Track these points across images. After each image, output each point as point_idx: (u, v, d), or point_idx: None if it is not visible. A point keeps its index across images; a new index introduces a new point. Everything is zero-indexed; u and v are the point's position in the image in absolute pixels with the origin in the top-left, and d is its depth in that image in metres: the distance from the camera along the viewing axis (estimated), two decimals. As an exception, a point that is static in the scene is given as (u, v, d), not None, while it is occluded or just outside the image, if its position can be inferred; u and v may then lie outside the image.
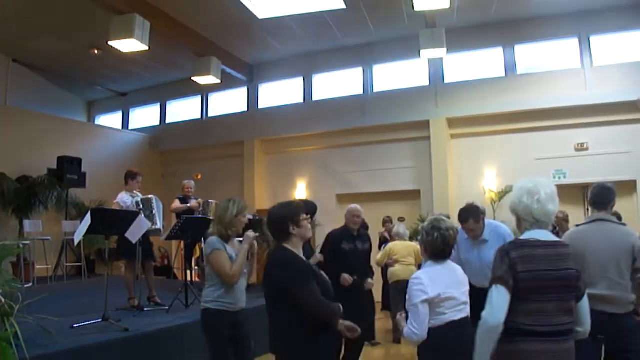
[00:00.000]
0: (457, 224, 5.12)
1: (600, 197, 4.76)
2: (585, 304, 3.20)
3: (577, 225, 4.86)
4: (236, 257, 4.79)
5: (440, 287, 3.72)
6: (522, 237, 3.23)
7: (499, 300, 3.01)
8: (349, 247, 6.91)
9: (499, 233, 5.81)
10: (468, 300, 3.93)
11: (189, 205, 9.92)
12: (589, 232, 4.60)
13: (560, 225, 8.68)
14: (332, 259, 6.73)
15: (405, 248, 9.75)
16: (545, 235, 3.18)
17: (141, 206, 8.32)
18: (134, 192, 8.77)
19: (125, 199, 8.51)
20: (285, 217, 3.86)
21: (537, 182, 3.28)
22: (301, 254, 3.88)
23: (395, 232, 10.38)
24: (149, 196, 8.61)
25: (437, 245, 3.89)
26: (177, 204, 10.06)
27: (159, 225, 8.48)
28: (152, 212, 8.36)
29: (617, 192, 4.78)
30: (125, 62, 15.68)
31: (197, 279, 11.35)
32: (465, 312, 3.87)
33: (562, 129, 13.47)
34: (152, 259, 9.31)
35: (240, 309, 4.84)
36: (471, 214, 5.86)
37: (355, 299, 6.60)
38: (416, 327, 3.70)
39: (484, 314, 3.05)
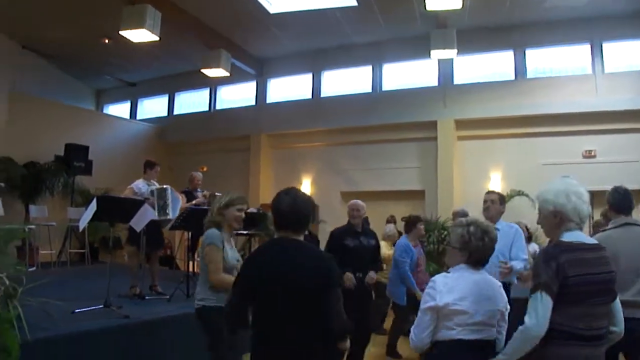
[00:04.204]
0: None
1: (625, 201, 4.76)
2: (618, 303, 3.17)
3: (603, 230, 4.78)
4: (231, 258, 4.68)
5: (453, 297, 3.27)
6: (565, 240, 3.15)
7: (544, 310, 2.97)
8: (354, 244, 6.82)
9: None
10: (494, 322, 3.36)
11: (194, 202, 9.88)
12: (621, 236, 4.51)
13: None
14: (337, 255, 6.66)
15: None
16: (586, 237, 3.18)
17: (155, 196, 8.35)
18: (151, 181, 8.82)
19: (140, 186, 8.59)
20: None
21: (579, 185, 3.24)
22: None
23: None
24: (165, 186, 8.62)
25: (485, 252, 3.44)
26: (183, 201, 10.01)
27: (172, 216, 8.49)
28: (165, 202, 8.39)
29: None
30: (135, 52, 15.66)
31: (199, 270, 11.35)
32: (484, 334, 3.31)
33: (570, 135, 13.44)
34: (161, 248, 9.37)
35: None
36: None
37: (358, 295, 6.62)
38: (415, 333, 3.38)
39: (527, 320, 3.00)
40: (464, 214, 9.54)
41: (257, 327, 3.30)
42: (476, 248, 3.40)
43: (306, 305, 3.17)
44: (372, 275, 6.86)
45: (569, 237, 3.15)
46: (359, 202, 7.09)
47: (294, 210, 3.36)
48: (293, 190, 3.49)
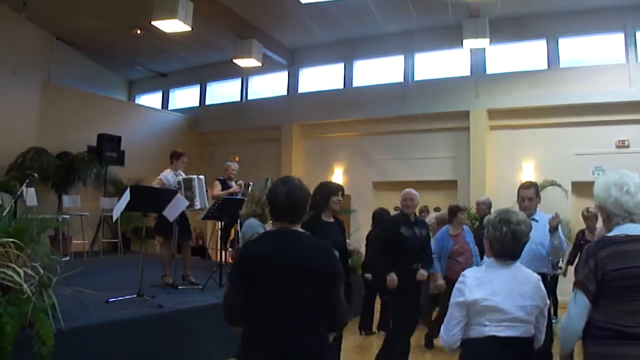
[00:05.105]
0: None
1: None
2: None
3: None
4: None
5: (484, 292, 3.16)
6: (609, 234, 3.04)
7: (576, 308, 2.93)
8: (408, 233, 6.78)
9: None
10: (531, 319, 3.24)
11: (229, 190, 9.91)
12: None
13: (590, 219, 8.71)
14: (391, 244, 6.70)
15: None
16: (637, 229, 2.98)
17: (182, 186, 8.40)
18: (178, 171, 8.90)
19: (168, 177, 8.69)
20: None
21: (623, 174, 3.09)
22: None
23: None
24: (191, 176, 8.68)
25: (507, 242, 3.26)
26: (217, 189, 9.90)
27: (199, 206, 8.56)
28: (192, 192, 8.43)
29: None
30: (166, 43, 15.72)
31: (231, 260, 11.40)
32: (518, 330, 3.17)
33: (603, 125, 13.15)
34: (190, 238, 9.39)
35: None
36: None
37: (410, 287, 6.62)
38: (444, 330, 3.30)
39: (563, 319, 3.00)
40: (487, 203, 9.50)
41: (250, 321, 3.14)
42: (494, 238, 3.29)
43: (303, 296, 3.05)
44: (422, 272, 6.85)
45: (617, 231, 3.03)
46: (412, 191, 7.02)
47: (290, 201, 3.20)
48: (290, 180, 3.35)
